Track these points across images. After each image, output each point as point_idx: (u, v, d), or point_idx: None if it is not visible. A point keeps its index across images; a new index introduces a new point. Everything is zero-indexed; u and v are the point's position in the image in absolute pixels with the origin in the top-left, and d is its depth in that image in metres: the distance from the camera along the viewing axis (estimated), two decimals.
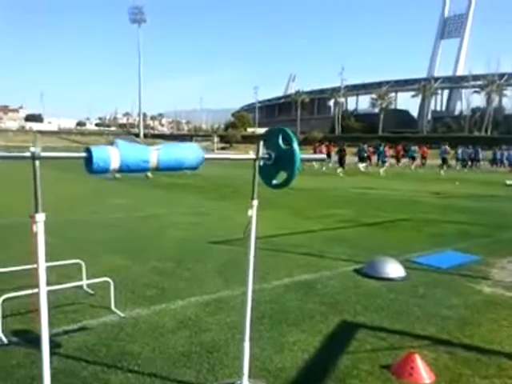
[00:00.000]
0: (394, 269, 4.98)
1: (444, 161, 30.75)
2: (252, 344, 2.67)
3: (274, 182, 2.46)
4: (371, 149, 33.73)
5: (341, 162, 25.66)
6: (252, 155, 2.33)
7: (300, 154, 2.33)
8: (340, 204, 11.36)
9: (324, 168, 27.55)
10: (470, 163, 34.37)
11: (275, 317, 3.71)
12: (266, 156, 2.37)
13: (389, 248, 6.31)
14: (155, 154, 1.96)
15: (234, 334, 3.32)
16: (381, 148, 30.89)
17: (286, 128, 2.36)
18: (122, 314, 3.60)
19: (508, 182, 18.42)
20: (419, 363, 2.84)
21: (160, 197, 12.09)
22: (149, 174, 17.03)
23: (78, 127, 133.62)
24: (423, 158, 34.66)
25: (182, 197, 12.19)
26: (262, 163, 2.46)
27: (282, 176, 2.44)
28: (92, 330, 3.34)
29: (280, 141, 2.37)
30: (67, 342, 3.13)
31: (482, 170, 32.99)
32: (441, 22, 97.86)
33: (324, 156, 2.79)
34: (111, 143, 1.94)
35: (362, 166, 28.88)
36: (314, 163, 29.27)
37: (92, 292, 4.07)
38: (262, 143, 2.33)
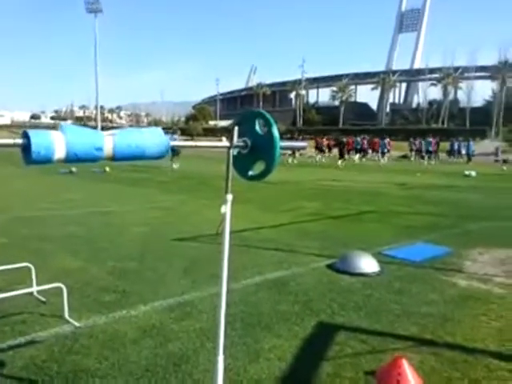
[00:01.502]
0: (367, 263, 4.78)
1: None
2: (224, 353, 2.37)
3: (251, 173, 2.16)
4: (332, 142, 34.61)
5: (341, 154, 27.35)
6: (225, 142, 2.03)
7: (280, 141, 2.04)
8: (309, 197, 11.19)
9: (324, 160, 29.87)
10: (428, 155, 35.02)
11: (247, 320, 3.42)
12: (241, 144, 2.06)
13: (359, 241, 6.14)
14: (110, 140, 1.62)
15: (204, 342, 3.02)
16: (385, 140, 32.93)
17: (263, 111, 2.06)
18: (77, 324, 3.22)
19: (467, 173, 18.81)
20: (406, 368, 2.62)
21: (120, 191, 11.55)
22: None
23: (33, 120, 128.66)
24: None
25: (144, 191, 11.70)
26: (235, 152, 2.15)
27: (259, 166, 2.15)
28: (42, 343, 2.95)
29: (257, 126, 2.07)
30: (12, 359, 2.74)
31: (440, 161, 33.75)
32: (398, 16, 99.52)
33: (304, 144, 2.50)
34: (55, 127, 1.61)
35: (356, 157, 31.71)
36: (315, 155, 30.39)
37: (43, 299, 3.66)
38: (236, 129, 2.02)
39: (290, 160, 27.63)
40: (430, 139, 33.85)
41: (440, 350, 3.03)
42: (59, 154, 1.48)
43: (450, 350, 3.06)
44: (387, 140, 33.13)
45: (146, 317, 3.43)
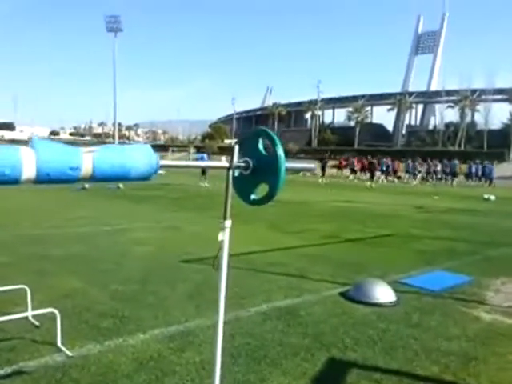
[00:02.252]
0: (383, 292, 4.49)
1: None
2: None
3: (253, 196, 1.94)
4: (343, 162, 35.13)
5: (372, 175, 28.43)
6: (224, 162, 1.82)
7: (285, 161, 1.83)
8: (322, 218, 10.92)
9: (356, 180, 30.46)
10: (446, 177, 34.54)
11: (253, 354, 3.16)
12: (243, 164, 1.86)
13: (374, 267, 5.85)
14: (89, 158, 1.42)
15: (203, 377, 2.77)
16: (416, 163, 34.17)
17: (267, 129, 1.86)
18: (69, 353, 3.00)
19: (486, 196, 18.35)
20: None
21: (128, 209, 11.40)
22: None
23: (52, 136, 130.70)
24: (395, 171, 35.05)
25: (152, 209, 11.54)
26: (237, 173, 1.95)
27: (262, 189, 1.94)
28: (29, 374, 2.73)
29: (260, 145, 1.87)
30: None
31: (458, 184, 33.21)
32: (415, 39, 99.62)
33: (313, 166, 2.29)
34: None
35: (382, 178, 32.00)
36: (349, 174, 30.79)
37: (37, 323, 3.45)
38: (237, 148, 1.82)
39: (320, 180, 27.40)
40: (456, 161, 33.75)
41: None
42: (28, 173, 1.29)
43: None
44: (417, 162, 33.38)
45: (144, 346, 3.20)
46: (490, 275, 5.64)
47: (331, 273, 5.46)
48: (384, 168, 33.53)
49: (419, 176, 32.86)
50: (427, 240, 8.34)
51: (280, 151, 1.80)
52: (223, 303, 2.07)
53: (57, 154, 1.35)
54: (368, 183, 27.07)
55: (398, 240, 8.19)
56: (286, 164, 1.82)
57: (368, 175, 30.39)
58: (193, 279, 4.87)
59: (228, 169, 1.81)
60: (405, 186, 28.44)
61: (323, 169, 29.45)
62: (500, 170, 41.41)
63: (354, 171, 33.08)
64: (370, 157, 33.09)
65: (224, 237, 1.89)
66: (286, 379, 2.83)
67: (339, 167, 37.33)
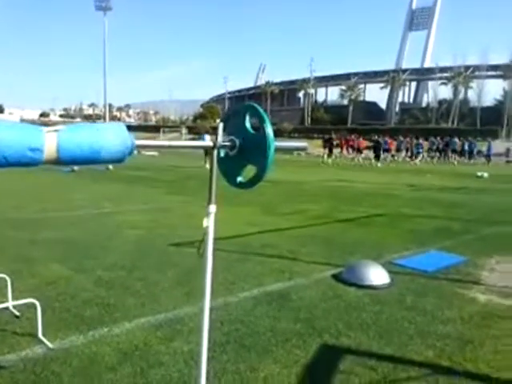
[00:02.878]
0: (376, 274, 4.40)
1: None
2: None
3: (239, 179, 1.80)
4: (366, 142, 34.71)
5: (377, 155, 28.51)
6: (208, 141, 1.67)
7: (274, 140, 1.68)
8: (315, 198, 10.81)
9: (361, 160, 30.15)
10: (439, 155, 34.49)
11: (243, 341, 3.06)
12: (228, 143, 1.71)
13: (367, 248, 5.76)
14: (53, 138, 1.26)
15: (191, 368, 2.65)
16: (420, 141, 33.72)
17: (254, 104, 1.70)
18: (51, 345, 2.87)
19: (479, 174, 18.31)
20: None
21: (119, 191, 11.21)
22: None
23: (42, 118, 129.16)
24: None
25: (143, 191, 11.36)
26: (222, 154, 1.80)
27: (249, 171, 1.80)
28: (7, 369, 2.60)
29: (247, 123, 1.72)
30: None
31: (451, 162, 33.19)
32: (409, 14, 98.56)
33: (305, 144, 2.13)
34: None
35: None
36: (358, 157, 30.52)
37: (17, 313, 3.32)
38: (221, 126, 1.66)
39: (327, 160, 27.91)
40: (456, 139, 33.83)
41: (459, 381, 2.65)
42: None
43: (470, 380, 2.68)
44: (421, 141, 33.21)
45: (130, 336, 3.08)
46: (485, 254, 5.57)
47: (323, 254, 5.36)
48: (386, 147, 33.16)
49: (421, 155, 32.66)
50: (420, 219, 8.27)
51: (268, 129, 1.65)
52: (209, 292, 1.93)
53: (14, 134, 1.19)
54: (373, 163, 27.49)
55: (391, 220, 8.10)
56: (275, 143, 1.67)
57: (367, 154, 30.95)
58: (183, 264, 4.74)
59: (212, 148, 1.66)
60: (405, 165, 28.34)
61: (330, 149, 29.85)
62: (493, 147, 41.47)
63: (359, 151, 32.71)
64: (376, 136, 32.84)
65: (209, 223, 1.74)
66: (277, 367, 2.73)
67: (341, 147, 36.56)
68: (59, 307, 3.53)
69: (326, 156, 28.93)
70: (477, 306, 3.87)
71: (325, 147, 29.80)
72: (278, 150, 1.73)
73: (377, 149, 28.96)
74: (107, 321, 3.30)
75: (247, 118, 1.70)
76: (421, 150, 32.29)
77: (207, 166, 17.61)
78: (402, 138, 34.88)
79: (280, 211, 8.62)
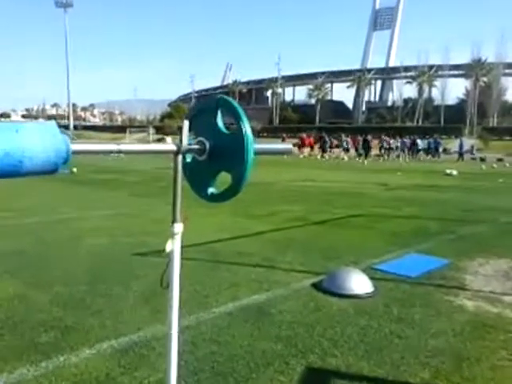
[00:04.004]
0: (359, 282, 4.12)
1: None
2: None
3: (211, 190, 1.46)
4: (312, 139, 34.97)
5: (366, 153, 31.05)
6: (170, 145, 1.32)
7: (254, 141, 1.34)
8: (288, 199, 10.52)
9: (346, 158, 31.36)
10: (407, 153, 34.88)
11: (218, 367, 2.71)
12: (196, 147, 1.37)
13: (346, 252, 5.50)
14: None
15: None
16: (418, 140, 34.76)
17: (227, 97, 1.36)
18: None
19: (448, 172, 18.46)
20: None
21: (82, 195, 10.61)
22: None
23: (2, 119, 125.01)
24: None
25: (107, 195, 10.81)
26: (189, 159, 1.45)
27: (223, 180, 1.46)
28: None
29: (219, 121, 1.38)
30: None
31: (419, 159, 33.63)
32: (373, 14, 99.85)
33: (289, 146, 1.80)
34: None
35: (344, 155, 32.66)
36: (342, 154, 31.05)
37: None
38: (187, 125, 1.32)
39: (360, 160, 29.42)
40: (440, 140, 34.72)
41: None
42: None
43: None
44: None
45: (89, 366, 2.68)
46: (466, 256, 5.39)
47: (301, 261, 5.06)
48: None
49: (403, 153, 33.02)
50: (396, 220, 8.08)
51: (246, 128, 1.31)
52: (176, 332, 1.58)
53: None
54: (360, 161, 29.19)
55: (367, 221, 7.88)
56: (254, 146, 1.33)
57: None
58: (149, 276, 4.33)
59: (175, 153, 1.31)
60: (385, 164, 28.48)
61: (323, 149, 33.27)
62: (457, 144, 42.31)
63: (347, 150, 33.45)
64: (369, 136, 33.62)
65: (174, 246, 1.39)
66: None
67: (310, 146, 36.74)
68: (9, 333, 3.10)
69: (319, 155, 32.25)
70: (466, 315, 3.64)
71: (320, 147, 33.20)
72: (258, 153, 1.40)
73: (366, 147, 31.48)
74: (64, 347, 2.90)
75: (219, 114, 1.36)
76: (405, 148, 32.94)
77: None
78: (344, 137, 35.30)
79: (254, 213, 8.28)
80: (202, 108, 1.45)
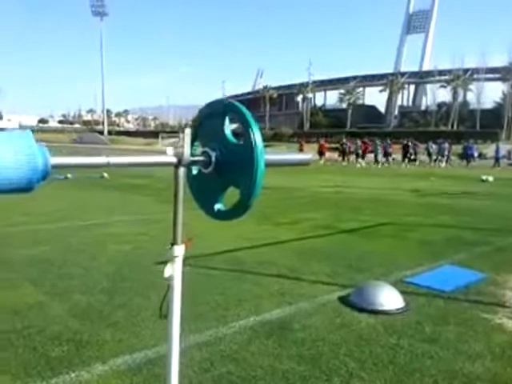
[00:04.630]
0: (389, 297, 3.89)
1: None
2: None
3: (218, 206, 1.31)
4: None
5: (409, 158, 31.00)
6: (170, 156, 1.17)
7: (264, 152, 1.18)
8: (314, 205, 10.29)
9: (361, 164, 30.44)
10: (440, 158, 34.02)
11: None
12: (201, 158, 1.22)
13: (375, 263, 5.26)
14: None
15: None
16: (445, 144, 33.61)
17: (235, 102, 1.20)
18: None
19: (484, 178, 17.81)
20: None
21: (110, 200, 10.64)
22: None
23: (40, 124, 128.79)
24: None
25: (135, 200, 10.81)
26: (195, 171, 1.31)
27: (231, 195, 1.31)
28: None
29: (226, 129, 1.22)
30: None
31: (453, 164, 32.73)
32: (406, 18, 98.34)
33: (308, 156, 1.62)
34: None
35: (361, 161, 31.53)
36: (359, 160, 30.72)
37: None
38: (187, 133, 1.17)
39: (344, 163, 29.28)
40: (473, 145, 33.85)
41: None
42: None
43: None
44: (447, 145, 33.00)
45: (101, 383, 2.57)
46: (505, 270, 5.07)
47: (328, 272, 4.85)
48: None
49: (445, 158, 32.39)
50: (428, 228, 7.76)
51: (257, 137, 1.16)
52: (176, 368, 1.43)
53: None
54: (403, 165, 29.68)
55: (397, 229, 7.58)
56: (266, 156, 1.17)
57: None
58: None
59: (176, 166, 1.16)
60: (425, 169, 27.88)
61: (344, 152, 33.08)
62: (493, 149, 40.97)
63: (360, 156, 32.62)
64: (409, 140, 33.05)
65: (174, 271, 1.24)
66: None
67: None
68: (23, 345, 3.02)
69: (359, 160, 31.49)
70: (506, 336, 3.37)
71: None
72: (270, 165, 1.24)
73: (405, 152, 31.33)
74: (76, 363, 2.79)
75: (226, 122, 1.21)
76: (446, 153, 32.16)
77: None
78: (358, 142, 34.24)
79: (277, 221, 8.10)
80: (207, 114, 1.30)
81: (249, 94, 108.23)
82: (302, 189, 13.90)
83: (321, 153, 32.74)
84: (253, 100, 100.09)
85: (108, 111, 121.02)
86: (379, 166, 29.98)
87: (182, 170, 1.19)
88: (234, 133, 1.25)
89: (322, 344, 3.14)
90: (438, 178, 19.49)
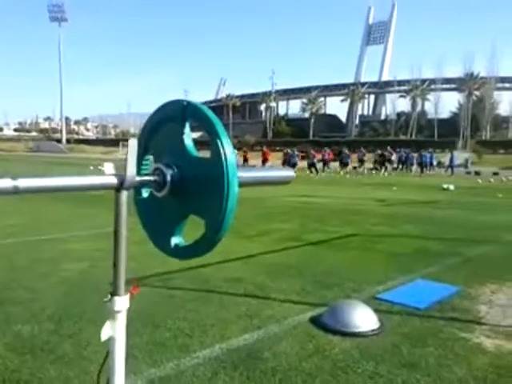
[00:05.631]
0: (363, 317, 3.65)
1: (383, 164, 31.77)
2: None
3: (176, 240, 1.02)
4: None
5: (384, 166, 30.98)
6: (109, 176, 0.87)
7: (237, 169, 0.90)
8: (281, 216, 10.06)
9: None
10: (400, 166, 34.73)
11: None
12: (151, 178, 0.92)
13: (345, 278, 5.03)
14: None
15: None
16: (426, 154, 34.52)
17: (198, 104, 0.91)
18: None
19: (445, 186, 18.11)
20: None
21: (63, 213, 10.06)
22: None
23: None
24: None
25: (90, 213, 10.24)
26: (146, 194, 1.01)
27: (195, 226, 1.01)
28: None
29: (187, 139, 0.93)
30: None
31: (412, 173, 33.39)
32: (366, 29, 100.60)
33: (291, 174, 1.34)
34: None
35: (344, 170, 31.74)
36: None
37: None
38: (132, 144, 0.87)
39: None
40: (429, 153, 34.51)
41: None
42: None
43: None
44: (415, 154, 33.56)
45: None
46: (477, 282, 4.95)
47: (297, 289, 4.59)
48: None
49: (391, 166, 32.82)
50: (396, 239, 7.65)
51: (227, 149, 0.87)
52: None
53: None
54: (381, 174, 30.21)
55: (365, 240, 7.43)
56: (239, 174, 0.89)
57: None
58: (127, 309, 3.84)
59: (117, 189, 0.86)
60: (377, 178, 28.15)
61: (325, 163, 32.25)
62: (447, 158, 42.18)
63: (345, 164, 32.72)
64: (389, 148, 33.44)
65: (115, 332, 0.94)
66: None
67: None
68: None
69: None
70: (486, 358, 3.18)
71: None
72: (245, 185, 0.96)
73: (382, 161, 31.73)
74: None
75: (187, 129, 0.92)
76: (348, 161, 32.33)
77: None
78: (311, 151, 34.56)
79: (244, 232, 7.80)
80: (161, 119, 1.01)
81: (212, 102, 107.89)
82: (266, 198, 13.65)
83: (264, 160, 32.67)
84: (216, 108, 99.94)
85: (67, 119, 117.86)
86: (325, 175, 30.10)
87: (124, 195, 0.89)
88: (197, 143, 0.96)
89: (295, 374, 2.85)
90: (400, 187, 19.69)
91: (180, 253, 1.03)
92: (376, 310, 3.84)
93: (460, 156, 44.48)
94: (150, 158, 0.97)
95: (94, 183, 0.90)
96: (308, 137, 71.76)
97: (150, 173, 0.95)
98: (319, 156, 32.34)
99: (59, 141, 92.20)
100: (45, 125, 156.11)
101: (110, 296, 1.03)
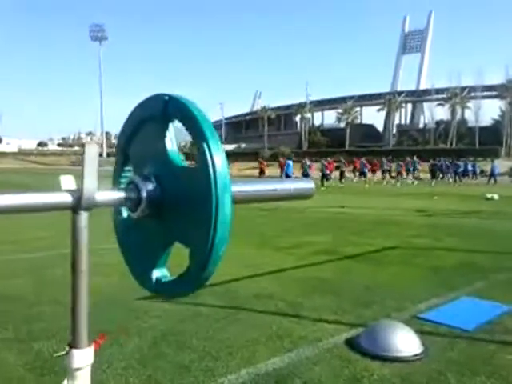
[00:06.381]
0: (405, 340, 3.34)
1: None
2: None
3: (157, 273, 0.81)
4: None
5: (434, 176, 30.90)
6: (63, 193, 0.68)
7: (230, 182, 0.68)
8: (316, 227, 9.76)
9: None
10: (441, 176, 33.68)
11: None
12: (122, 195, 0.72)
13: (384, 296, 4.70)
14: None
15: None
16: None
17: (181, 97, 0.70)
18: None
19: (489, 196, 17.32)
20: None
21: (104, 225, 10.05)
22: None
23: (40, 148, 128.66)
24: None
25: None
26: (125, 214, 0.81)
27: (177, 256, 0.81)
28: None
29: (169, 144, 0.72)
30: None
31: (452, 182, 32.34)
32: (402, 38, 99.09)
33: (311, 186, 1.10)
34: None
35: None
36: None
37: None
38: (91, 151, 0.67)
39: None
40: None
41: None
42: None
43: None
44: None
45: None
46: None
47: (332, 307, 4.30)
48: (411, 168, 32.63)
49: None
50: (438, 252, 7.22)
51: (216, 157, 0.65)
52: None
53: None
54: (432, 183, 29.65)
55: (405, 254, 7.04)
56: (233, 188, 0.67)
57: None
58: (153, 328, 3.68)
59: (74, 209, 0.66)
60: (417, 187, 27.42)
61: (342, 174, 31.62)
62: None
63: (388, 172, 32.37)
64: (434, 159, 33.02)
65: None
66: None
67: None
68: None
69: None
70: None
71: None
72: (242, 202, 0.74)
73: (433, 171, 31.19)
74: None
75: (170, 131, 0.70)
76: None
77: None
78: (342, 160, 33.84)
79: (276, 245, 7.56)
80: (140, 120, 0.80)
81: (247, 114, 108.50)
82: (296, 208, 13.35)
83: (260, 172, 32.32)
84: (251, 121, 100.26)
85: (107, 133, 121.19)
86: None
87: (83, 218, 0.68)
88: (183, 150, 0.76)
89: None
90: (441, 196, 18.98)
91: (162, 289, 0.82)
92: (418, 332, 3.53)
93: (503, 164, 42.80)
94: (130, 169, 0.77)
95: (45, 202, 0.69)
96: (344, 147, 70.91)
97: (122, 187, 0.74)
98: (350, 166, 32.15)
99: (101, 155, 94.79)
100: (87, 139, 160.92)
101: (67, 348, 0.82)
